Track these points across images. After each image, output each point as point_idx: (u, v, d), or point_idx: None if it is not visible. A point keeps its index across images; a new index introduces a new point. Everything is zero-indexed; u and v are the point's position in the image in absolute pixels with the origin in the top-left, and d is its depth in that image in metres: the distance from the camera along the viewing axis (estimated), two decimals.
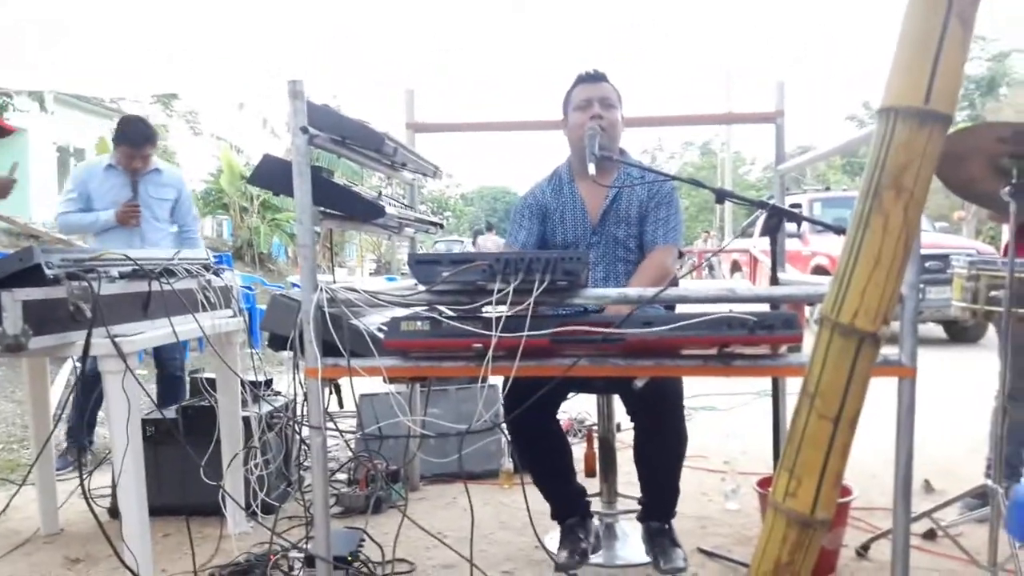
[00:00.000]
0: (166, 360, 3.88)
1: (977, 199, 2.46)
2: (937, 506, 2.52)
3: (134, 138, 3.66)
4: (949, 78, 1.12)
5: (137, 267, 2.26)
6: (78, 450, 3.62)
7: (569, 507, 2.49)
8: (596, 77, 2.50)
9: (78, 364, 2.05)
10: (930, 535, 2.60)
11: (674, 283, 2.34)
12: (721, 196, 2.21)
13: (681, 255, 2.56)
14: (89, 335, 1.96)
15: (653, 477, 2.39)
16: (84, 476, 2.09)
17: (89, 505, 2.06)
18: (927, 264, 6.65)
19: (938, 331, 8.43)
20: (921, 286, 1.88)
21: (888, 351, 1.67)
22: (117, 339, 2.02)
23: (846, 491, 2.45)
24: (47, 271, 1.95)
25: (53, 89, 10.45)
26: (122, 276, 2.20)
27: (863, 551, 2.52)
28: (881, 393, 1.70)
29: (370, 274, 20.00)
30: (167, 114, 17.49)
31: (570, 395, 2.55)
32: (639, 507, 2.47)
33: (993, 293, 2.34)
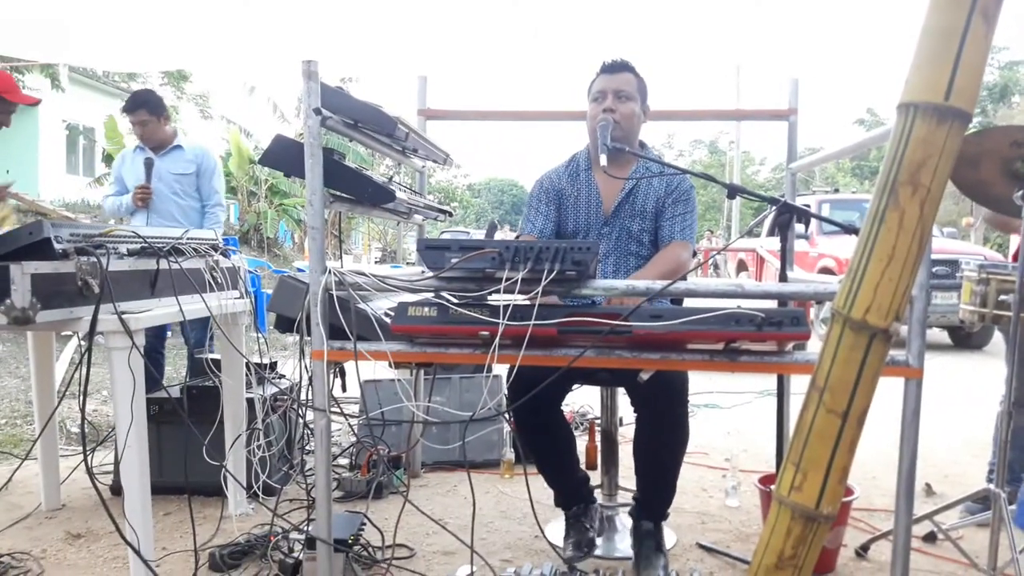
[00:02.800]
0: (187, 339, 3.94)
1: (989, 202, 2.45)
2: (938, 508, 2.52)
3: (128, 105, 3.89)
4: (970, 75, 1.11)
5: (145, 244, 2.26)
6: None
7: (573, 495, 2.49)
8: (616, 67, 2.45)
9: (83, 341, 2.05)
10: (930, 538, 2.60)
11: (682, 280, 2.33)
12: (733, 191, 2.20)
13: (694, 254, 2.55)
14: (96, 310, 1.96)
15: (651, 471, 2.36)
16: (87, 452, 2.09)
17: (92, 481, 2.06)
18: (935, 269, 6.62)
19: (943, 337, 8.41)
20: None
21: (894, 353, 1.66)
22: (124, 315, 2.02)
23: (848, 491, 2.44)
24: (56, 245, 1.95)
25: (67, 62, 10.43)
26: (130, 253, 2.20)
27: (863, 551, 2.52)
28: (881, 396, 1.69)
29: (376, 262, 20.02)
30: (177, 96, 17.57)
31: (575, 387, 2.55)
32: (633, 502, 2.46)
33: (1002, 297, 2.34)
